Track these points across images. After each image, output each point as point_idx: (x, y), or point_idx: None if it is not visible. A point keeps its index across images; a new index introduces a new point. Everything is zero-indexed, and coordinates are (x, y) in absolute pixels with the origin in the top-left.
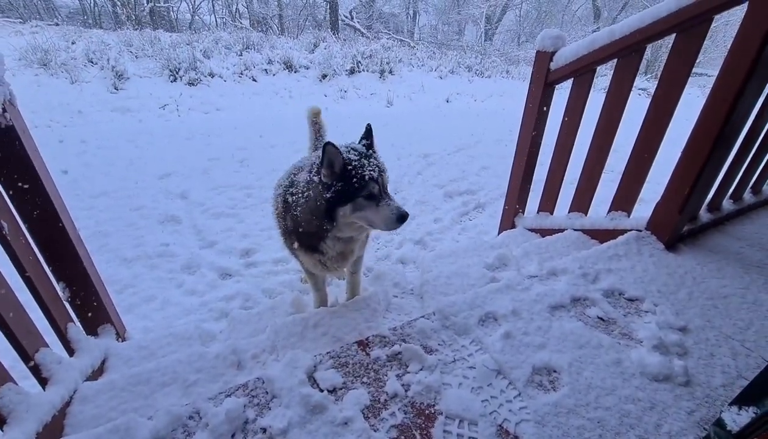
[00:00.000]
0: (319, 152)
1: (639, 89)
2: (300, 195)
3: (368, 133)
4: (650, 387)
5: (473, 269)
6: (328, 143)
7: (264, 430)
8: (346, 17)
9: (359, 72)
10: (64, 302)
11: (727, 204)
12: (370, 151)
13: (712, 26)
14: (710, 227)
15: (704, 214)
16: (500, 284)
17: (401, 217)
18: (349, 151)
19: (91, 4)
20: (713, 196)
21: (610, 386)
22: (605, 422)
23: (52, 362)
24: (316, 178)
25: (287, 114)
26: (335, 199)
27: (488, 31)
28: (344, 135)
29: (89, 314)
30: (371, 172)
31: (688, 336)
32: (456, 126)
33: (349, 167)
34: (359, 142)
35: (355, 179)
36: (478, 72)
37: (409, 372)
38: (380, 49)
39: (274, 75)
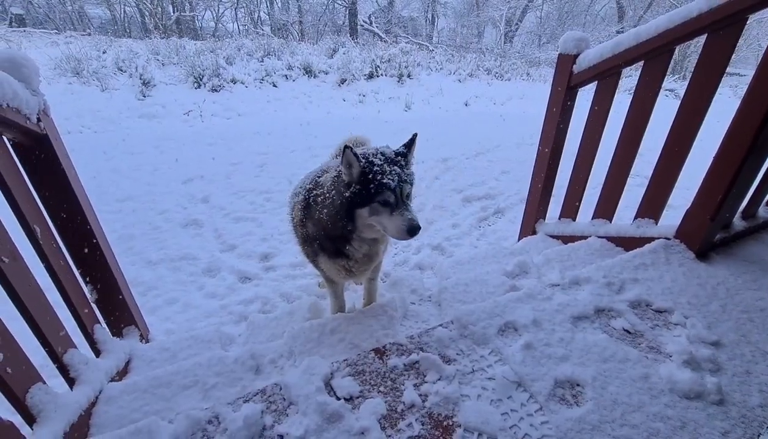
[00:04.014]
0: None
1: (666, 90)
2: (325, 196)
3: (410, 143)
4: (681, 405)
5: (492, 277)
6: (346, 147)
7: (281, 437)
8: (365, 22)
9: (378, 76)
10: (92, 303)
11: (763, 211)
12: (399, 158)
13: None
14: (745, 235)
15: (738, 222)
16: (520, 292)
17: (412, 230)
18: (375, 155)
19: (121, 15)
20: (748, 202)
21: (638, 403)
22: None
23: (80, 362)
24: (339, 178)
25: (306, 119)
26: (353, 200)
27: (508, 33)
28: None
29: (115, 316)
30: (389, 181)
31: (721, 351)
32: (475, 130)
33: (368, 172)
34: (400, 148)
35: (372, 185)
36: (497, 75)
37: (426, 382)
38: (399, 54)
39: (294, 80)
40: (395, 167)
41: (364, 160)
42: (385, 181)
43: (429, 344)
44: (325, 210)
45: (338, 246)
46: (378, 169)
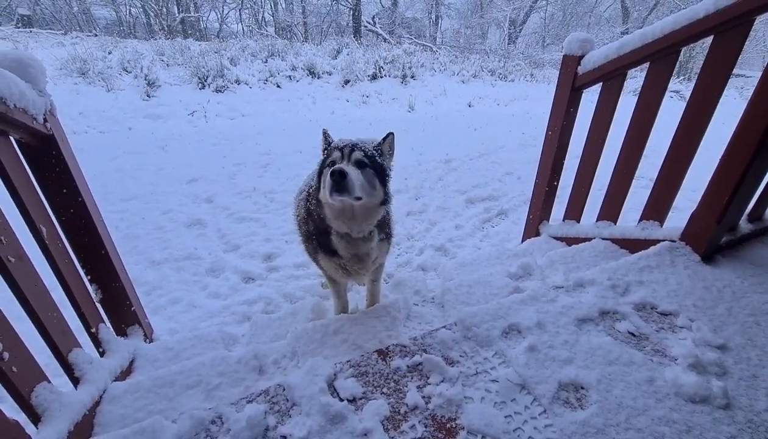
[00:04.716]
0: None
1: (671, 92)
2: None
3: (384, 138)
4: (686, 409)
5: (496, 278)
6: (323, 129)
7: (284, 438)
8: (369, 23)
9: (381, 77)
10: (96, 303)
11: None
12: (369, 144)
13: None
14: (751, 237)
15: (744, 225)
16: (524, 294)
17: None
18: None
19: (127, 16)
20: (754, 205)
21: (642, 406)
22: None
23: (84, 362)
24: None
25: (310, 119)
26: (317, 182)
27: (512, 34)
28: None
29: (119, 315)
30: (338, 144)
31: (727, 355)
32: (478, 131)
33: (328, 145)
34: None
35: (325, 151)
36: (501, 76)
37: (429, 384)
38: (402, 55)
39: (297, 81)
40: (355, 141)
41: (332, 139)
42: (334, 144)
43: (432, 345)
44: (313, 201)
45: (327, 242)
46: (336, 141)
